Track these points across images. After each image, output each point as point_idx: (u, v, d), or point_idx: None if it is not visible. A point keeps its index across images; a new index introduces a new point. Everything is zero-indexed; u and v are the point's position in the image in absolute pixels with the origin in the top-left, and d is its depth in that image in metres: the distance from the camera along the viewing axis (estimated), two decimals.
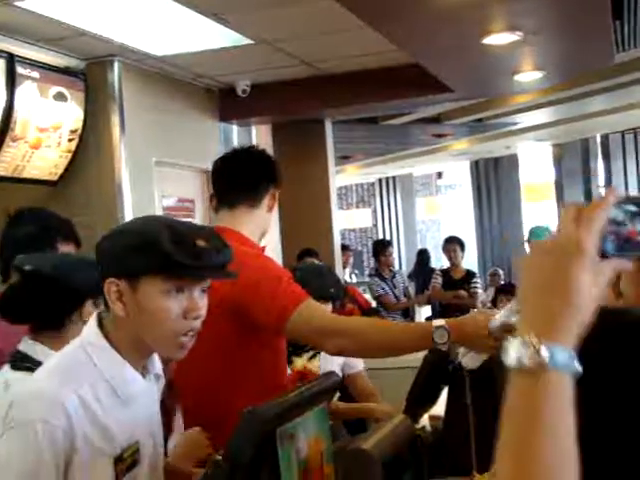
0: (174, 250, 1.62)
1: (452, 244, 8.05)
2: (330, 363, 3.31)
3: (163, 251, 1.62)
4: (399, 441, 1.54)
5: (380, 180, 15.37)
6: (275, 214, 7.15)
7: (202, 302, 1.72)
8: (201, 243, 1.67)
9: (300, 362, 3.19)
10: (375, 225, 15.48)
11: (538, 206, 14.02)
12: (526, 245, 6.69)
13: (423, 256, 11.71)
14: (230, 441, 1.39)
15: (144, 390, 1.78)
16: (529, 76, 5.89)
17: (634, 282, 1.49)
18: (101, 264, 1.75)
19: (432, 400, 2.79)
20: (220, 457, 1.39)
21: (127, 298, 1.67)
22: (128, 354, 1.73)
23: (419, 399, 2.65)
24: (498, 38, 4.66)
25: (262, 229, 2.67)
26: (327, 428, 1.54)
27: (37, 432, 1.56)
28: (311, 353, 3.31)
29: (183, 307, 1.68)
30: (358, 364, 3.57)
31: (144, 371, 1.80)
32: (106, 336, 1.73)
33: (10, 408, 1.63)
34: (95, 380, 1.67)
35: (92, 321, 1.76)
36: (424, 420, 2.85)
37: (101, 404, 1.66)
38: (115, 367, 1.70)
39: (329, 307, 3.31)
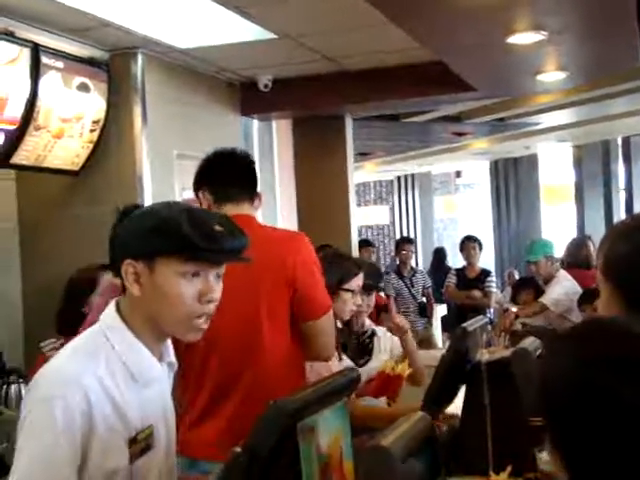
0: (192, 233, 1.66)
1: (470, 243, 8.03)
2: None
3: (181, 233, 1.66)
4: (418, 438, 1.54)
5: (399, 178, 15.34)
6: (293, 209, 7.18)
7: (217, 286, 1.76)
8: (218, 228, 1.71)
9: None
10: (392, 223, 15.46)
11: (557, 208, 13.95)
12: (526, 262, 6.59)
13: (439, 255, 11.68)
14: (251, 433, 1.39)
15: (160, 375, 1.82)
16: (552, 76, 5.86)
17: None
18: (118, 246, 1.78)
19: (449, 399, 2.79)
20: (239, 449, 1.40)
21: (144, 279, 1.71)
22: (144, 337, 1.76)
23: (437, 398, 2.65)
24: (522, 37, 4.63)
25: None
26: (347, 424, 1.54)
27: (55, 409, 1.59)
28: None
29: (198, 290, 1.72)
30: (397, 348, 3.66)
31: (159, 357, 1.82)
32: (124, 319, 1.76)
33: (32, 387, 1.66)
34: (113, 362, 1.70)
35: (111, 305, 1.80)
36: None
37: (118, 386, 1.69)
38: (132, 350, 1.74)
39: (371, 298, 3.49)
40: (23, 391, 3.20)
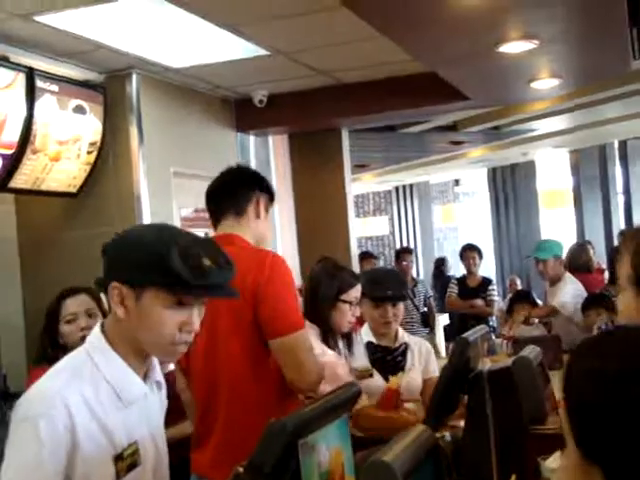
0: (182, 269, 1.69)
1: (470, 252, 8.03)
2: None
3: (171, 269, 1.69)
4: (420, 452, 1.54)
5: (397, 188, 15.36)
6: (292, 222, 7.20)
7: (199, 317, 1.81)
8: (207, 262, 1.74)
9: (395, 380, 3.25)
10: (392, 233, 15.47)
11: (556, 213, 13.97)
12: (532, 261, 6.54)
13: (440, 264, 11.69)
14: (254, 452, 1.40)
15: (144, 394, 1.85)
16: (545, 83, 5.88)
17: None
18: (108, 266, 1.81)
19: (452, 409, 2.79)
20: (241, 468, 1.40)
21: (129, 303, 1.75)
22: (128, 357, 1.80)
23: (439, 408, 2.65)
24: (514, 46, 4.66)
25: (255, 236, 2.81)
26: (348, 439, 1.55)
27: (39, 427, 1.62)
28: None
29: (181, 321, 1.77)
30: (435, 371, 3.64)
31: (145, 376, 1.87)
32: (108, 340, 1.80)
33: (18, 407, 1.70)
34: (97, 381, 1.74)
35: (96, 327, 1.84)
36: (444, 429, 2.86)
37: (102, 404, 1.73)
38: (116, 370, 1.78)
39: (399, 308, 3.47)
40: None
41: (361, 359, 3.49)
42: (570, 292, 6.09)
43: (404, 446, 1.51)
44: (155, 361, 1.92)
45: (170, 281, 1.70)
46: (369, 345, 3.61)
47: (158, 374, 1.94)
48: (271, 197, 2.91)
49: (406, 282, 4.03)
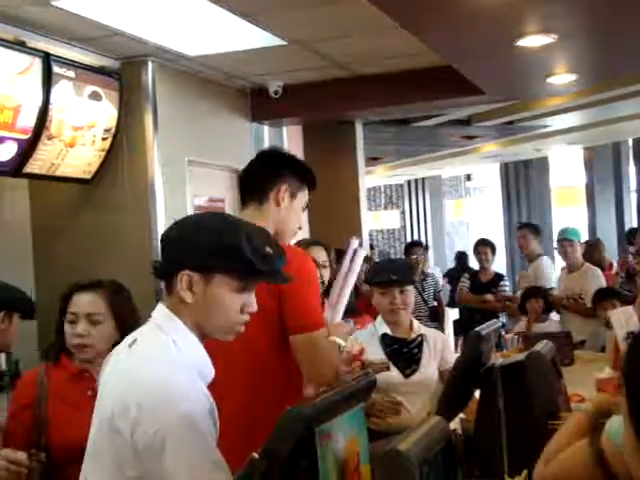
0: (253, 257, 1.81)
1: (483, 247, 8.00)
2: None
3: (244, 257, 1.80)
4: (435, 443, 1.54)
5: (409, 182, 15.34)
6: (304, 214, 7.18)
7: (255, 298, 1.92)
8: (269, 250, 1.86)
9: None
10: (404, 227, 15.46)
11: (568, 210, 13.92)
12: (557, 245, 6.62)
13: (462, 258, 11.66)
14: (269, 438, 1.40)
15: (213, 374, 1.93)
16: (562, 79, 5.85)
17: None
18: (176, 253, 1.87)
19: (464, 403, 2.79)
20: (257, 455, 1.40)
21: (197, 289, 1.83)
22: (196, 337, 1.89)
23: (451, 402, 2.65)
24: (532, 40, 4.63)
25: (276, 224, 2.72)
26: (364, 428, 1.55)
27: (200, 419, 1.71)
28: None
29: (243, 303, 1.88)
30: (452, 362, 3.62)
31: None
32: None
33: (156, 407, 1.70)
34: (187, 367, 1.81)
35: (162, 309, 1.89)
36: (456, 422, 2.86)
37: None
38: (197, 350, 1.86)
39: (408, 294, 3.44)
40: None
41: (377, 351, 3.45)
42: (595, 283, 6.17)
43: (419, 436, 1.51)
44: None
45: (242, 267, 1.81)
46: (384, 337, 3.58)
47: None
48: (304, 183, 2.79)
49: (413, 269, 4.00)
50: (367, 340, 3.42)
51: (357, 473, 1.46)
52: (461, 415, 2.81)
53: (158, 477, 1.68)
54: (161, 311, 1.88)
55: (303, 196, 2.81)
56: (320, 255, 4.09)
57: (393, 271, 3.59)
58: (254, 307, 1.91)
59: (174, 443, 1.67)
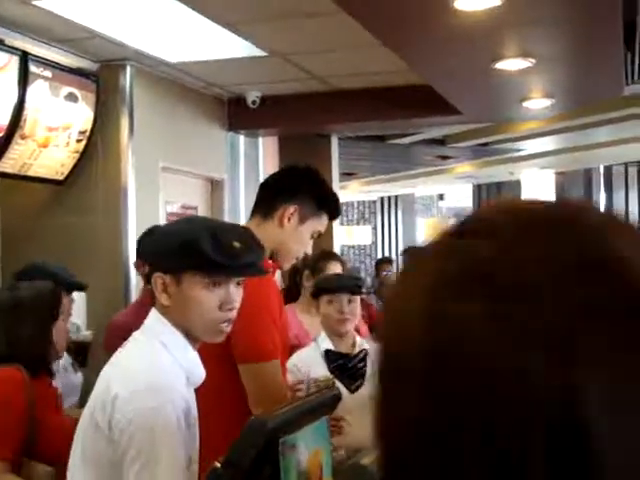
0: (212, 251, 1.84)
1: None
2: None
3: (203, 252, 1.84)
4: None
5: (382, 198, 15.39)
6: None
7: (237, 295, 1.95)
8: (236, 244, 1.89)
9: None
10: (374, 243, 15.49)
11: None
12: None
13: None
14: (232, 447, 1.39)
15: (204, 375, 1.96)
16: (538, 103, 5.91)
17: None
18: (149, 259, 2.03)
19: None
20: (219, 464, 1.39)
21: (172, 290, 1.89)
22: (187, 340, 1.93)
23: None
24: (510, 63, 4.68)
25: (272, 244, 2.55)
26: (328, 441, 1.54)
27: (169, 415, 1.74)
28: None
29: (220, 299, 1.90)
30: None
31: None
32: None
33: (129, 401, 1.74)
34: (176, 368, 1.87)
35: (153, 313, 1.94)
36: None
37: (182, 389, 1.86)
38: (186, 353, 1.90)
39: (344, 303, 3.38)
40: None
41: (320, 368, 3.29)
42: None
43: None
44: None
45: (202, 263, 1.85)
46: (328, 353, 3.43)
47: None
48: (322, 211, 2.63)
49: (362, 279, 3.94)
50: (310, 357, 3.38)
51: None
52: None
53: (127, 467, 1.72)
54: (153, 314, 1.94)
55: (316, 223, 2.64)
56: (336, 269, 4.03)
57: (343, 279, 3.57)
58: (234, 303, 1.92)
59: (143, 435, 1.71)
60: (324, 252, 4.37)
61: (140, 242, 4.09)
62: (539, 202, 0.60)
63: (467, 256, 0.56)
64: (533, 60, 4.61)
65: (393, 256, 14.14)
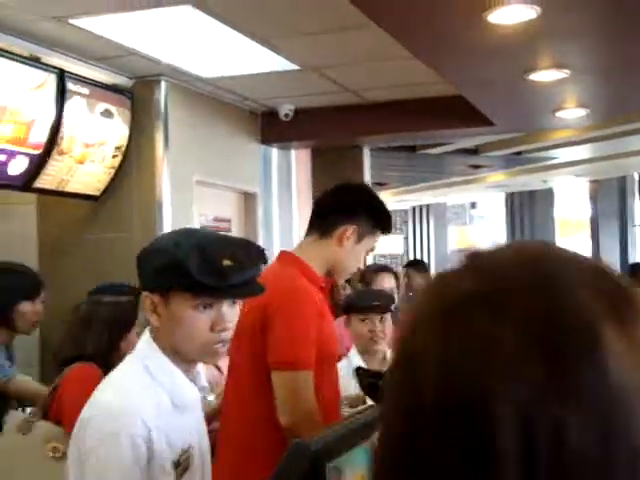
0: (200, 272, 1.73)
1: None
2: None
3: (189, 274, 1.73)
4: None
5: (414, 207, 15.35)
6: None
7: (231, 315, 1.84)
8: (227, 262, 1.76)
9: None
10: (406, 252, 15.44)
11: (572, 242, 13.92)
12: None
13: None
14: (275, 472, 1.39)
15: (195, 398, 1.89)
16: (572, 113, 5.87)
17: None
18: (139, 277, 1.89)
19: None
20: None
21: (161, 310, 1.80)
22: (177, 363, 1.84)
23: None
24: (544, 75, 4.66)
25: (329, 261, 2.64)
26: (370, 464, 1.54)
27: (123, 443, 1.67)
28: None
29: (211, 321, 1.80)
30: None
31: (192, 381, 1.90)
32: (158, 347, 1.85)
33: (89, 424, 1.72)
34: (157, 391, 1.78)
35: (145, 335, 1.88)
36: None
37: (162, 412, 1.77)
38: (172, 377, 1.82)
39: (376, 322, 3.37)
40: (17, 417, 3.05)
41: (352, 386, 3.27)
42: None
43: None
44: (200, 367, 1.96)
45: (190, 285, 1.75)
46: (359, 370, 3.47)
47: (203, 379, 1.97)
48: (377, 228, 2.69)
49: (393, 298, 3.88)
50: (342, 374, 3.36)
51: None
52: None
53: None
54: (144, 336, 1.87)
55: (371, 240, 2.71)
56: (388, 282, 4.03)
57: (376, 298, 3.55)
58: (227, 324, 1.82)
59: (93, 461, 1.68)
60: (375, 266, 4.37)
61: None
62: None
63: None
64: (567, 71, 4.58)
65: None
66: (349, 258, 2.66)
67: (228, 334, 1.84)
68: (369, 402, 3.25)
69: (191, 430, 1.85)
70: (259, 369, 2.50)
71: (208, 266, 1.74)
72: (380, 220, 2.71)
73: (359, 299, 3.57)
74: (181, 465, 1.79)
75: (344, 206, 2.68)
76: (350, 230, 2.63)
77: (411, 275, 7.54)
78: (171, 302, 1.79)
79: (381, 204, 2.77)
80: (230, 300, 1.84)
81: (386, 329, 3.52)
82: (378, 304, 3.48)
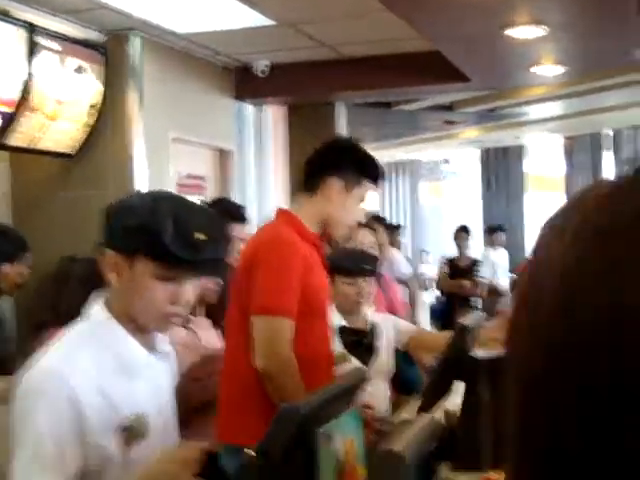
0: (173, 243, 1.67)
1: (463, 233, 8.05)
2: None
3: (162, 242, 1.67)
4: (428, 442, 1.54)
5: (389, 164, 15.33)
6: (286, 193, 7.15)
7: (191, 291, 1.78)
8: (201, 236, 1.71)
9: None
10: (382, 208, 15.46)
11: (545, 197, 14.00)
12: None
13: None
14: (265, 436, 1.39)
15: (150, 364, 1.83)
16: (548, 70, 5.86)
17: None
18: (104, 234, 1.80)
19: (444, 394, 2.80)
20: (252, 452, 1.40)
21: (122, 271, 1.74)
22: (130, 326, 1.79)
23: (435, 393, 2.66)
24: (522, 31, 4.63)
25: (322, 217, 2.70)
26: (360, 429, 1.55)
27: (38, 405, 1.63)
28: None
29: (171, 293, 1.75)
30: (405, 326, 3.61)
31: (150, 347, 1.85)
32: (110, 310, 1.79)
33: (20, 383, 1.69)
34: (100, 352, 1.73)
35: (95, 298, 1.83)
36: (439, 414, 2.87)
37: (107, 376, 1.72)
38: (118, 339, 1.76)
39: (369, 282, 3.37)
40: None
41: (335, 344, 3.23)
42: None
43: (413, 436, 1.51)
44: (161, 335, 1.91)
45: (160, 254, 1.69)
46: (342, 329, 3.41)
47: (164, 344, 1.91)
48: (364, 177, 2.71)
49: (378, 259, 3.83)
50: None
51: (354, 474, 1.46)
52: (447, 407, 2.81)
53: None
54: (94, 297, 1.83)
55: (361, 191, 2.73)
56: (367, 237, 3.99)
57: (365, 261, 3.52)
58: (186, 301, 1.78)
59: (15, 415, 1.65)
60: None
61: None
62: None
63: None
64: (545, 28, 4.56)
65: (401, 221, 14.14)
66: (340, 211, 2.71)
67: (185, 309, 1.80)
68: (353, 359, 3.29)
69: (144, 396, 1.79)
70: (247, 321, 2.55)
71: (182, 238, 1.68)
72: (366, 169, 2.74)
73: (347, 261, 3.53)
74: (132, 431, 1.73)
75: (329, 161, 2.73)
76: (336, 183, 2.67)
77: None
78: (135, 266, 1.72)
79: (366, 154, 2.80)
80: (196, 275, 1.79)
81: (371, 290, 3.52)
82: (367, 268, 3.46)
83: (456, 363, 2.61)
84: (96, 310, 1.80)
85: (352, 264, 3.44)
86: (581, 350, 0.53)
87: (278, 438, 1.39)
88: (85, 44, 4.88)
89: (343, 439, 1.42)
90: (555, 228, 0.59)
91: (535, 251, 0.60)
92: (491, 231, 10.11)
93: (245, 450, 1.41)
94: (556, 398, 0.54)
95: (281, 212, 2.79)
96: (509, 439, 0.57)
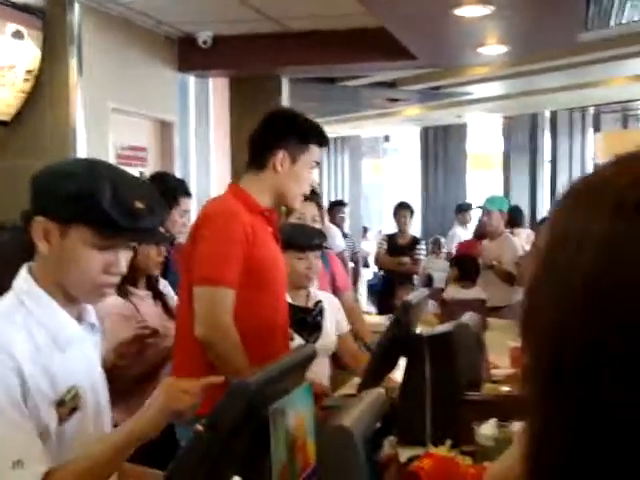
0: (112, 209, 1.63)
1: (403, 210, 8.08)
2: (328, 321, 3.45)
3: (101, 208, 1.62)
4: (376, 417, 1.55)
5: (330, 139, 15.33)
6: (227, 168, 7.10)
7: (125, 260, 1.74)
8: (139, 205, 1.67)
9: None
10: (320, 184, 15.46)
11: (484, 176, 14.18)
12: (478, 211, 6.71)
13: None
14: (214, 411, 1.38)
15: (80, 336, 1.79)
16: (493, 50, 5.91)
17: None
18: (34, 199, 1.71)
19: (388, 370, 2.82)
20: (202, 427, 1.38)
21: (54, 240, 1.67)
22: (58, 298, 1.73)
23: (378, 370, 2.67)
24: (469, 10, 4.65)
25: (274, 191, 2.68)
26: (311, 404, 1.54)
27: None
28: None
29: (106, 262, 1.70)
30: (345, 326, 3.60)
31: (78, 318, 1.80)
32: (36, 281, 1.72)
33: None
34: (30, 326, 1.68)
35: (23, 270, 1.75)
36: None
37: (40, 350, 1.67)
38: (49, 313, 1.71)
39: (312, 257, 3.35)
40: None
41: None
42: (510, 247, 6.25)
43: (362, 411, 1.51)
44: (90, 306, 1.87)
45: (99, 220, 1.63)
46: (289, 306, 3.46)
47: (92, 316, 1.86)
48: (308, 143, 2.67)
49: (325, 235, 3.79)
50: None
51: (304, 449, 1.45)
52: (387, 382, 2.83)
53: None
54: (23, 268, 1.75)
55: (308, 157, 2.69)
56: (311, 210, 3.95)
57: (315, 236, 3.51)
58: (120, 269, 1.73)
59: None
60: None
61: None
62: None
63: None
64: (492, 7, 4.59)
65: (340, 197, 14.16)
66: (290, 182, 2.69)
67: (117, 279, 1.75)
68: (297, 337, 3.26)
69: (76, 368, 1.75)
70: (192, 290, 2.55)
71: (121, 205, 1.64)
72: (308, 134, 2.71)
73: (298, 237, 3.49)
74: (66, 404, 1.70)
75: (270, 133, 2.70)
76: (280, 154, 2.65)
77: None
78: (69, 234, 1.66)
79: (305, 119, 2.77)
80: (128, 244, 1.75)
81: (319, 265, 3.52)
82: (318, 243, 3.45)
83: (399, 340, 2.62)
84: (23, 282, 1.72)
85: (303, 239, 3.42)
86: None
87: (228, 413, 1.38)
88: (24, 8, 4.73)
89: (295, 415, 1.42)
90: (583, 201, 0.62)
91: (554, 224, 0.63)
92: (462, 210, 10.20)
93: (196, 425, 1.40)
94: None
95: (230, 186, 2.79)
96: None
